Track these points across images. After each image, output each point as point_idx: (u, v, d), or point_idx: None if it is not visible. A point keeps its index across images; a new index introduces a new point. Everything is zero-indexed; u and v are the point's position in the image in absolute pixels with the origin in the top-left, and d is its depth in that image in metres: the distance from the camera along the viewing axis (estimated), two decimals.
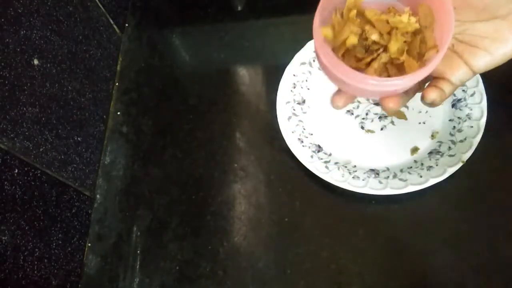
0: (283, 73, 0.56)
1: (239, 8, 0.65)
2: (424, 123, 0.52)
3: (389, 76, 0.30)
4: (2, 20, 0.42)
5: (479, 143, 0.47)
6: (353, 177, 0.49)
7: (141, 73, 0.64)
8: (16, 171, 0.42)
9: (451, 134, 0.50)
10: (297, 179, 0.52)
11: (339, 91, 0.33)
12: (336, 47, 0.30)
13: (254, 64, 0.62)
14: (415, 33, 0.30)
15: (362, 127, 0.53)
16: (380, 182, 0.48)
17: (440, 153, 0.49)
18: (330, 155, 0.52)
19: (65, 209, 0.50)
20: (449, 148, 0.49)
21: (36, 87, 0.46)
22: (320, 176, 0.49)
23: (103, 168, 0.58)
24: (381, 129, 0.53)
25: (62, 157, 0.50)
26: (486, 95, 0.49)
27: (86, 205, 0.55)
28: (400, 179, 0.48)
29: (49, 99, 0.48)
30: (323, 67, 0.29)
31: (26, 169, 0.44)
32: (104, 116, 0.61)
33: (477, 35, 0.30)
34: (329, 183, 0.49)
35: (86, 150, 0.55)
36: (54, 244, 0.48)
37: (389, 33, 0.29)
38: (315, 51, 0.30)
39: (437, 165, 0.48)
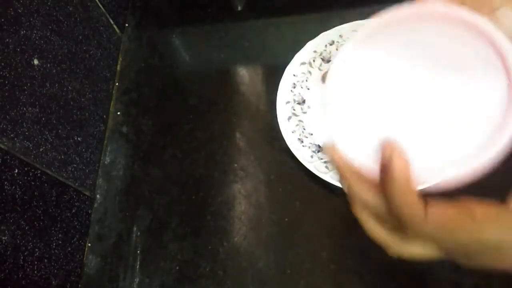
0: (283, 73, 0.56)
1: (239, 8, 0.65)
2: None
3: None
4: (2, 20, 0.42)
5: None
6: None
7: (141, 73, 0.64)
8: (16, 171, 0.42)
9: None
10: (297, 179, 0.52)
11: None
12: None
13: (254, 64, 0.62)
14: None
15: None
16: None
17: None
18: None
19: (65, 209, 0.50)
20: None
21: (36, 87, 0.46)
22: (320, 176, 0.49)
23: (103, 168, 0.58)
24: None
25: (62, 157, 0.50)
26: None
27: (86, 205, 0.55)
28: None
29: (49, 99, 0.48)
30: None
31: (26, 169, 0.44)
32: (104, 116, 0.61)
33: None
34: (329, 183, 0.49)
35: (86, 150, 0.55)
36: (54, 244, 0.48)
37: None
38: None
39: None
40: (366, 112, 0.25)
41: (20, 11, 0.44)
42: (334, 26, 0.57)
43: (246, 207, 0.52)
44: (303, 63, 0.56)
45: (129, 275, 0.51)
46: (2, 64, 0.41)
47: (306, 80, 0.56)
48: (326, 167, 0.50)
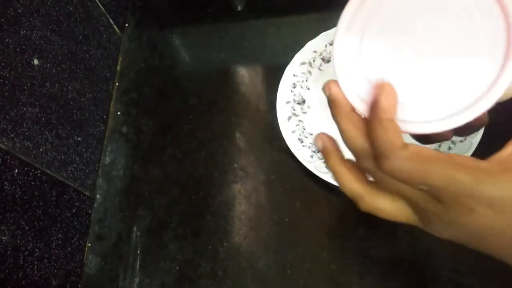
0: (283, 73, 0.56)
1: (239, 8, 0.65)
2: None
3: None
4: (2, 20, 0.42)
5: (479, 143, 0.47)
6: None
7: (141, 73, 0.64)
8: (16, 171, 0.42)
9: None
10: (297, 179, 0.52)
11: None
12: None
13: (254, 64, 0.62)
14: None
15: None
16: None
17: None
18: None
19: (65, 209, 0.50)
20: (449, 148, 0.49)
21: (36, 87, 0.46)
22: (320, 176, 0.49)
23: (103, 168, 0.58)
24: None
25: (62, 157, 0.50)
26: None
27: (86, 205, 0.55)
28: None
29: (49, 99, 0.48)
30: None
31: (26, 169, 0.44)
32: (104, 116, 0.61)
33: None
34: (329, 183, 0.49)
35: (86, 150, 0.55)
36: (54, 244, 0.48)
37: None
38: None
39: None
40: (369, 63, 0.26)
41: (20, 11, 0.44)
42: (334, 26, 0.56)
43: (246, 207, 0.52)
44: (303, 63, 0.56)
45: (129, 275, 0.51)
46: (2, 64, 0.41)
47: (306, 80, 0.56)
48: (326, 167, 0.50)
